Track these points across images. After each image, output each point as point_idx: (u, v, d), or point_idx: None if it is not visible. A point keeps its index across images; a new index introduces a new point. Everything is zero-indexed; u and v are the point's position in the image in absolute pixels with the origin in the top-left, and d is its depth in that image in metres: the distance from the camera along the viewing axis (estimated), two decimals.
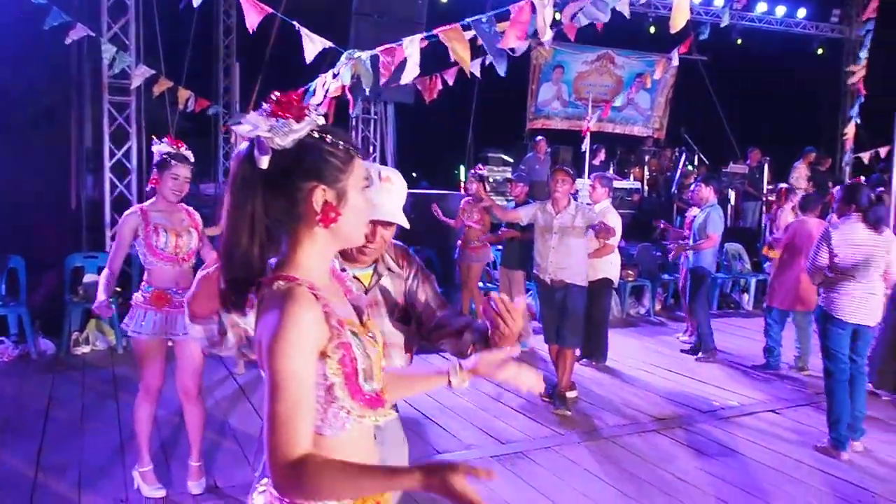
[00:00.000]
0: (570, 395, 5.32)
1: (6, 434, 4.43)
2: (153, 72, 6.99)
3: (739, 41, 12.86)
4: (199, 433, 3.69)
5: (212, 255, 3.46)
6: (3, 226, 6.62)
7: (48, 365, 5.97)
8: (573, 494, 3.82)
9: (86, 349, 6.36)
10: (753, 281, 9.45)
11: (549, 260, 5.13)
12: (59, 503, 3.55)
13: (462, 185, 11.17)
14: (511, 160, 12.44)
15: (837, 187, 5.42)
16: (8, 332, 6.22)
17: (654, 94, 13.97)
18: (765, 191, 11.54)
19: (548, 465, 4.21)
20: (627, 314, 8.69)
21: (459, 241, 7.23)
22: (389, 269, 2.09)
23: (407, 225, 1.96)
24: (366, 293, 2.03)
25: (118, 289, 5.39)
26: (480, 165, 9.23)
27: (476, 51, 4.84)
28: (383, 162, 10.10)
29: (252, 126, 1.27)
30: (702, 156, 12.92)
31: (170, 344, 3.59)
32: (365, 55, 4.94)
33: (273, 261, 1.35)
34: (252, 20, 4.82)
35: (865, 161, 10.06)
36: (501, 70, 4.47)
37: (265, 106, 1.29)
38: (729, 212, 11.35)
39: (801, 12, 13.16)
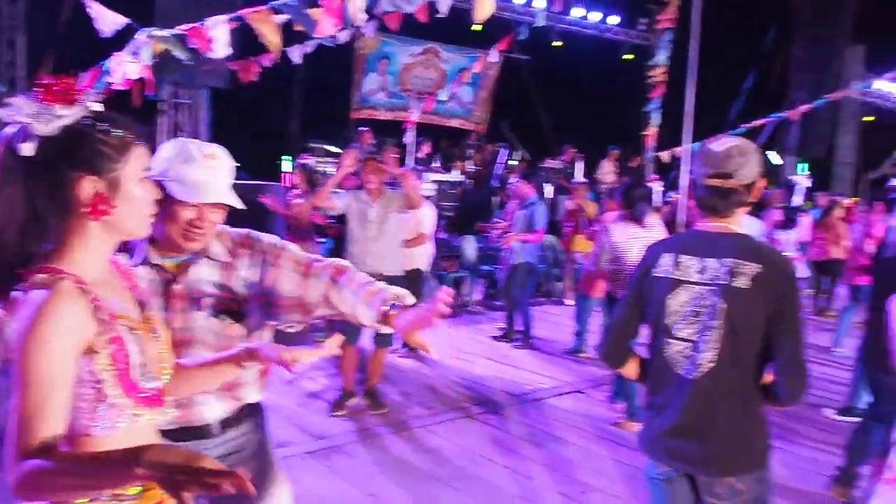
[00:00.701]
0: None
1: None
2: None
3: (560, 43, 13.50)
4: None
5: None
6: None
7: None
8: (387, 486, 3.82)
9: None
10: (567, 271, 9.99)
11: (367, 250, 5.02)
12: None
13: (285, 175, 10.85)
14: (337, 151, 12.23)
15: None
16: None
17: (476, 89, 14.33)
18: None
19: (361, 458, 4.19)
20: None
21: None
22: (209, 258, 1.87)
23: (240, 205, 1.80)
24: (174, 283, 1.84)
25: None
26: (305, 155, 8.98)
27: (294, 36, 4.68)
28: None
29: (14, 110, 1.20)
30: (525, 151, 13.50)
31: None
32: (166, 33, 4.60)
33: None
34: None
35: (665, 160, 11.01)
36: (296, 58, 4.34)
37: (35, 90, 1.22)
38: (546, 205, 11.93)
39: (613, 19, 14.12)
